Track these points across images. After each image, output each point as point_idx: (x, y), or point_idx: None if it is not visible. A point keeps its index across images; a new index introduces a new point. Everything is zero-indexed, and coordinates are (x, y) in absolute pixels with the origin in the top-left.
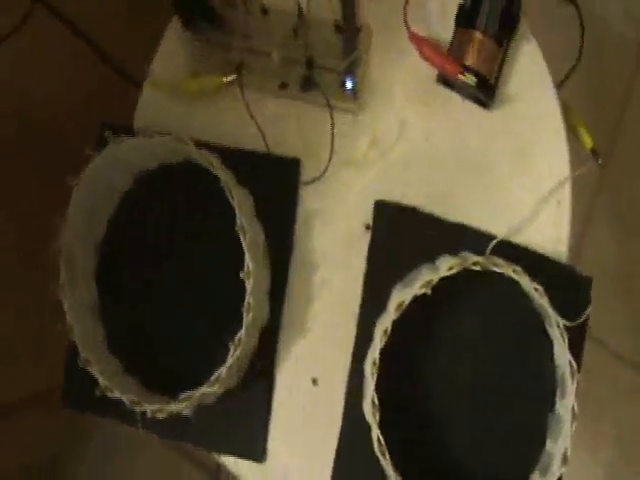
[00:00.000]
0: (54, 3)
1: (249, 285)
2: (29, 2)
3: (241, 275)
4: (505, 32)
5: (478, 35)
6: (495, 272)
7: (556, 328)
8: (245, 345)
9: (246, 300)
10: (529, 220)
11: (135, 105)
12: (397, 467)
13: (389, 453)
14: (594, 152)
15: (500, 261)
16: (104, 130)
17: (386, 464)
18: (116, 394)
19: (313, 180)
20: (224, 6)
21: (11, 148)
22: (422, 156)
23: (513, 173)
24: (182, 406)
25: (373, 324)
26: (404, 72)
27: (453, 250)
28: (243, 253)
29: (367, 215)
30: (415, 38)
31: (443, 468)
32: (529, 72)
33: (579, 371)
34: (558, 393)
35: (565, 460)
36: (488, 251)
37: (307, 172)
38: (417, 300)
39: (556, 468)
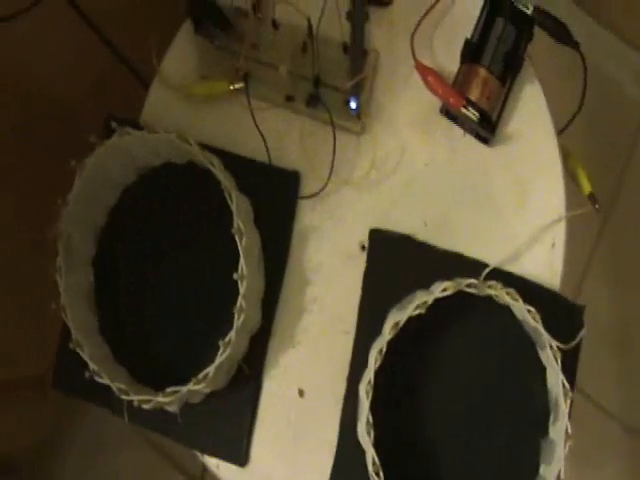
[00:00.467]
0: None
1: (242, 287)
2: None
3: (235, 276)
4: (509, 72)
5: (483, 71)
6: (489, 299)
7: (549, 350)
8: (235, 346)
9: (238, 302)
10: (523, 252)
11: (140, 99)
12: None
13: (383, 475)
14: (592, 197)
15: (494, 283)
16: (110, 121)
17: None
18: (105, 380)
19: (312, 195)
20: (236, 14)
21: (16, 132)
22: (421, 182)
23: (509, 207)
24: (168, 400)
25: (368, 350)
26: (408, 98)
27: (448, 278)
28: (239, 257)
29: (363, 235)
30: (421, 67)
31: None
32: (531, 113)
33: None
34: (551, 417)
35: None
36: (482, 277)
37: (306, 187)
38: (411, 326)
39: None
